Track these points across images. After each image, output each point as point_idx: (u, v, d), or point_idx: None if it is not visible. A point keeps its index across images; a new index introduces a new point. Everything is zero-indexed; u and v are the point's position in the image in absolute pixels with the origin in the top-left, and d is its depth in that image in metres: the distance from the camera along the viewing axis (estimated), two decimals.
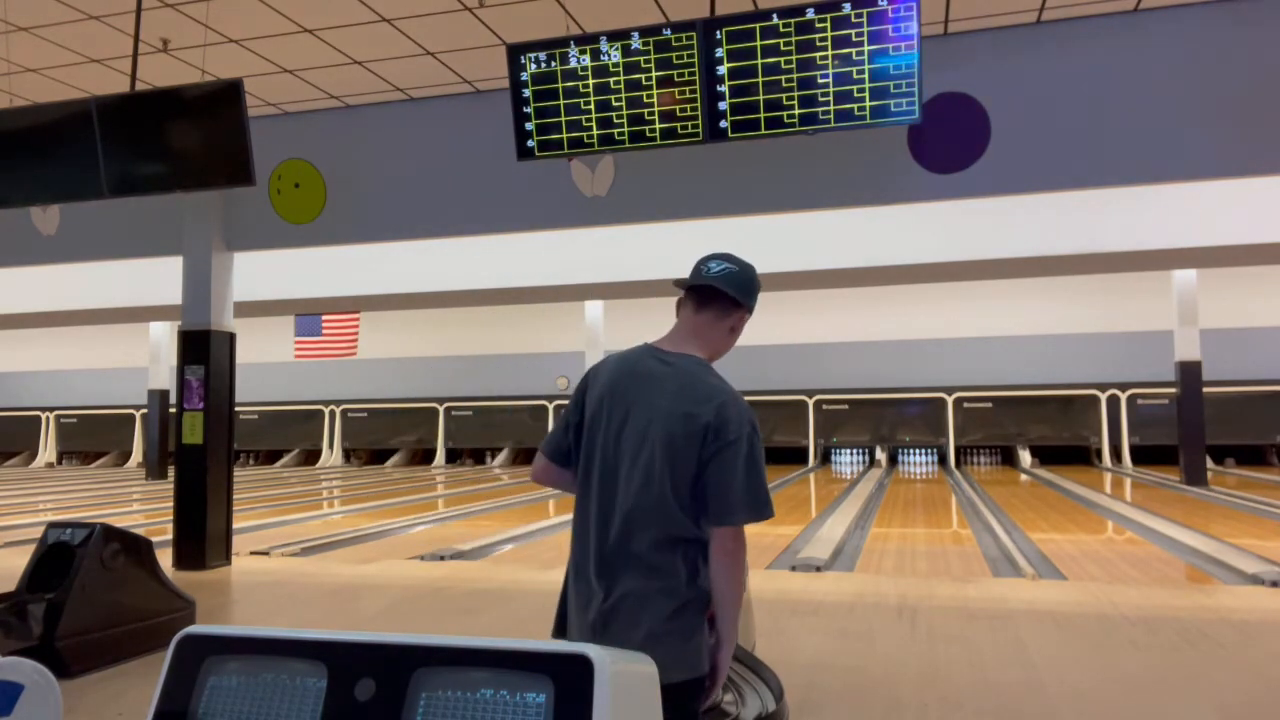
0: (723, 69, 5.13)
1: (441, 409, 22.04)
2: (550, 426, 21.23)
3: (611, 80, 5.35)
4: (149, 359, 19.06)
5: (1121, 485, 14.60)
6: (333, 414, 22.63)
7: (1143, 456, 17.85)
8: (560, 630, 2.12)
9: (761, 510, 2.00)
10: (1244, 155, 5.71)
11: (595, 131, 5.44)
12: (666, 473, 2.01)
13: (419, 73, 6.97)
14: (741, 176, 6.52)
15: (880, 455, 19.24)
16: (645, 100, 5.31)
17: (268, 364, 20.80)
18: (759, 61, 5.08)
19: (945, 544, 8.57)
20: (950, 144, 6.09)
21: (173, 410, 8.72)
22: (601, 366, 2.19)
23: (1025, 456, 18.55)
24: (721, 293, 2.13)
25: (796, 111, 5.08)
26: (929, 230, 8.13)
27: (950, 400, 18.99)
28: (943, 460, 19.01)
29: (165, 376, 18.34)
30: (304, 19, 6.21)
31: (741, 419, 2.02)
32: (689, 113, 5.24)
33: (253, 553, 8.15)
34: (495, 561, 7.83)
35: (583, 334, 16.74)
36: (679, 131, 5.30)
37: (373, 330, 19.92)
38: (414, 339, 21.52)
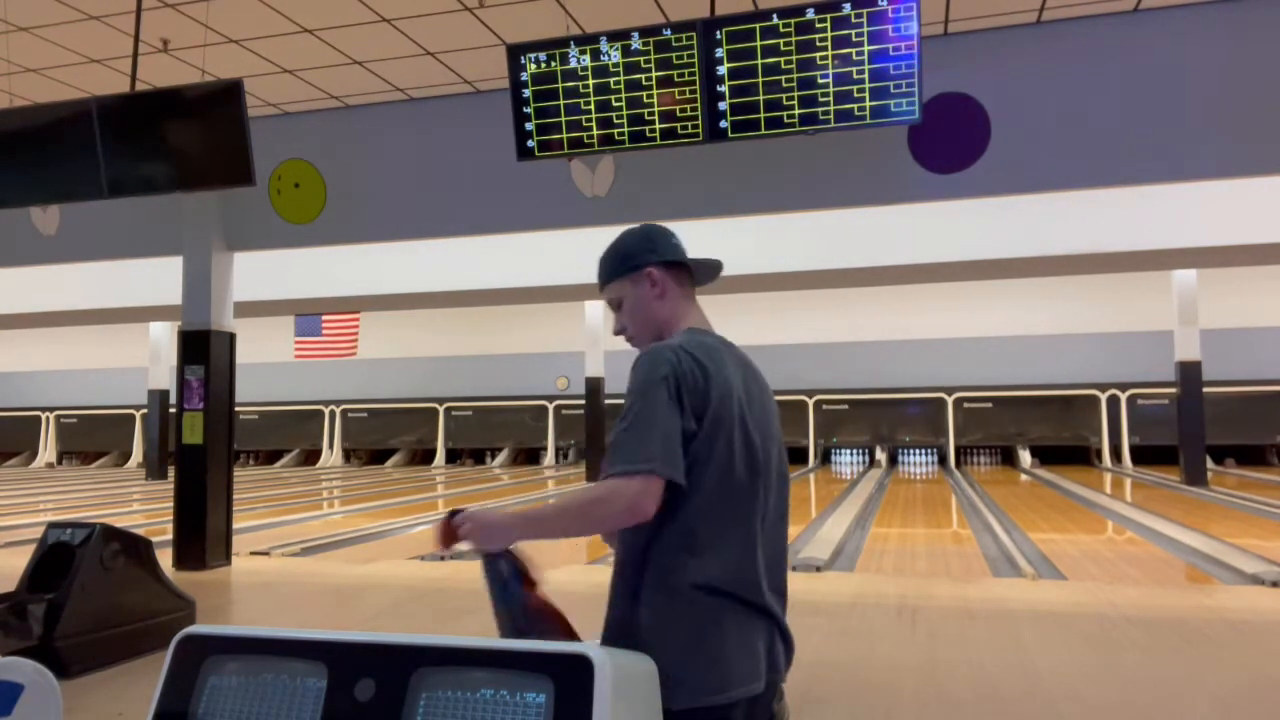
0: (723, 69, 5.13)
1: (441, 409, 22.02)
2: (550, 427, 21.41)
3: (611, 80, 5.34)
4: (149, 359, 19.06)
5: (1121, 485, 14.59)
6: (333, 414, 22.62)
7: (1143, 456, 17.84)
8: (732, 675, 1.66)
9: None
10: (1244, 155, 5.70)
11: (595, 131, 5.44)
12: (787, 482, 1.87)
13: (419, 73, 6.96)
14: (741, 176, 6.51)
15: (880, 455, 19.23)
16: (645, 100, 5.30)
17: (268, 364, 20.78)
18: (759, 61, 5.08)
19: (945, 544, 8.57)
20: (950, 144, 6.09)
21: (173, 410, 8.72)
22: (710, 355, 1.76)
23: (1025, 456, 18.54)
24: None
25: (796, 111, 5.08)
26: (929, 230, 8.12)
27: (950, 400, 18.98)
28: (943, 460, 19.00)
29: (165, 376, 18.33)
30: (304, 19, 6.21)
31: None
32: (689, 113, 5.24)
33: (253, 553, 8.14)
34: None
35: (583, 334, 16.73)
36: (679, 131, 5.29)
37: (373, 330, 19.91)
38: (414, 339, 21.50)
